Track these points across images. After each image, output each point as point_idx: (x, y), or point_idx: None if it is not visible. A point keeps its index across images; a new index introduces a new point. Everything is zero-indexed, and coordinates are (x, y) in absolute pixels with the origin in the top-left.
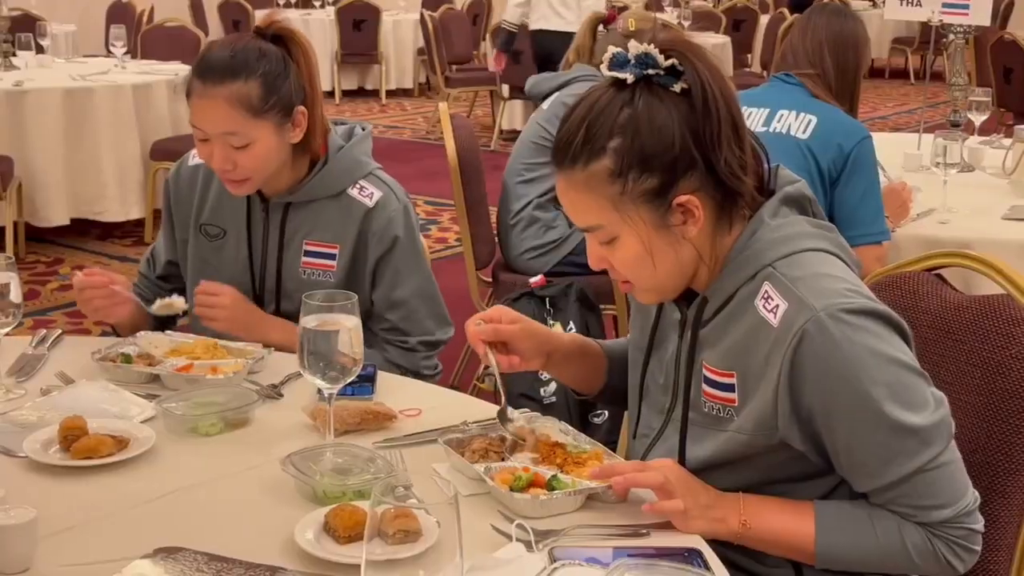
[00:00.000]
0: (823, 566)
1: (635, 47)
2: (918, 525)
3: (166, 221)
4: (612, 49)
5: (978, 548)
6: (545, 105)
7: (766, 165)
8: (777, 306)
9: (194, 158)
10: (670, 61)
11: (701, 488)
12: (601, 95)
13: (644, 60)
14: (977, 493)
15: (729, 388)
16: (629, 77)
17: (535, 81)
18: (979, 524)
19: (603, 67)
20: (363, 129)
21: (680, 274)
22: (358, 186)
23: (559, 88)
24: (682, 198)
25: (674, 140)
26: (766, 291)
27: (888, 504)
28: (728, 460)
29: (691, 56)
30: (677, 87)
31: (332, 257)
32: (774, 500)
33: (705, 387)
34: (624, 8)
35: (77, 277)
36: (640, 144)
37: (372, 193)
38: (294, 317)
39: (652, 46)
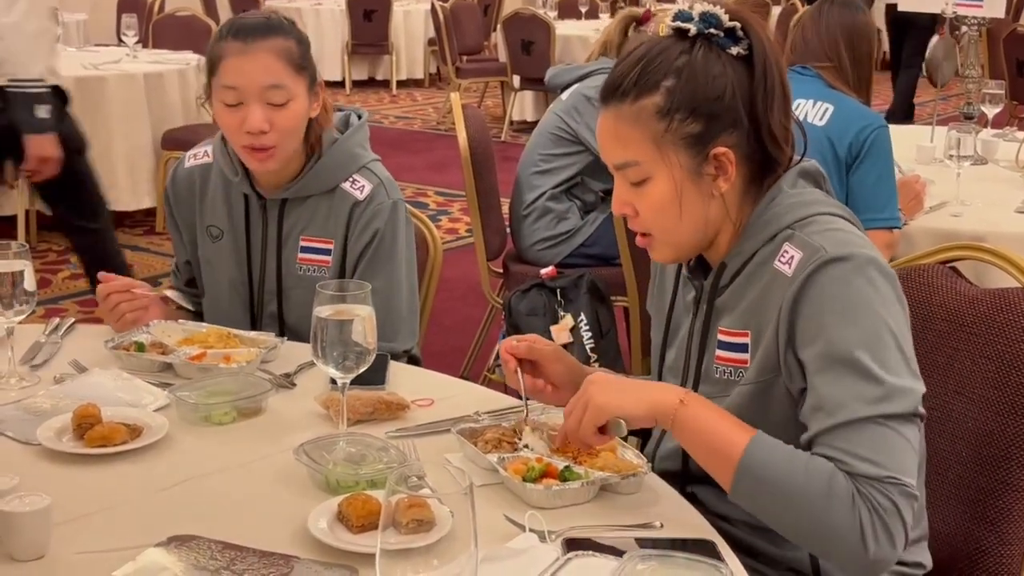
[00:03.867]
0: (740, 480)
1: (700, 6)
2: (848, 476)
3: (172, 227)
4: (680, 3)
5: (897, 540)
6: (564, 96)
7: (802, 142)
8: (792, 257)
9: (190, 159)
10: (732, 23)
11: (636, 391)
12: (661, 40)
13: (708, 18)
14: (919, 496)
15: (742, 348)
16: (692, 29)
17: (555, 72)
18: (909, 514)
19: (667, 20)
20: (359, 117)
21: (702, 232)
22: (351, 179)
23: (579, 80)
24: (719, 150)
25: (724, 93)
26: (784, 249)
27: (827, 447)
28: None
29: (754, 25)
30: (734, 50)
31: (327, 252)
32: (721, 409)
33: (718, 351)
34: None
35: (99, 287)
36: (692, 88)
37: (363, 186)
38: (294, 315)
39: (720, 9)
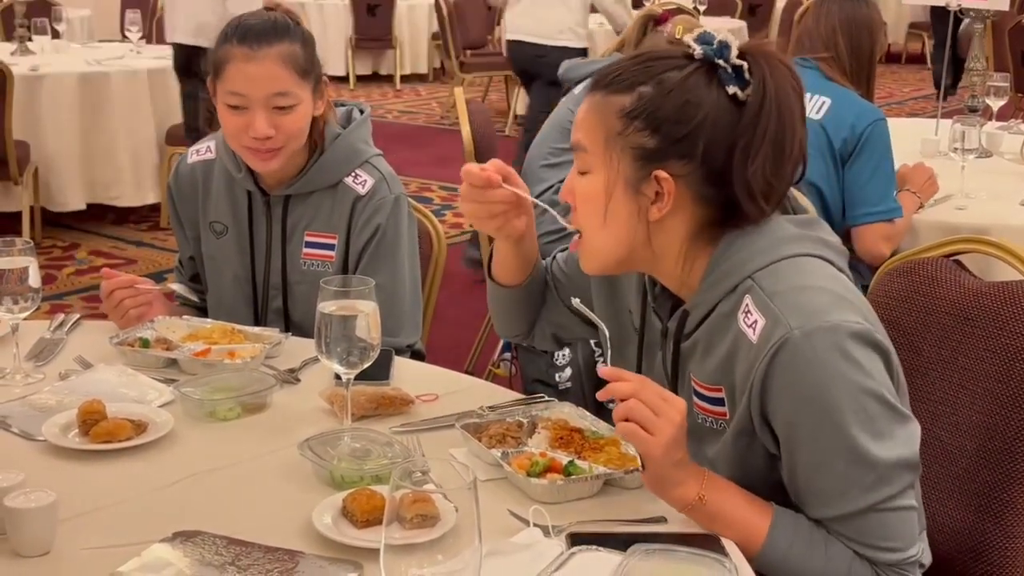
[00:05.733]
0: (761, 565)
1: (723, 34)
2: (866, 562)
3: (175, 223)
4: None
5: None
6: (577, 90)
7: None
8: (756, 322)
9: (192, 155)
10: (739, 62)
11: (682, 449)
12: (669, 50)
13: (719, 48)
14: (925, 547)
15: (719, 402)
16: (697, 51)
17: (569, 66)
18: None
19: (687, 36)
20: (361, 112)
21: (626, 251)
22: (353, 174)
23: (592, 74)
24: (662, 174)
25: (692, 121)
26: (746, 305)
27: (837, 535)
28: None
29: (766, 68)
30: (731, 89)
31: (331, 247)
32: (736, 487)
33: (697, 400)
34: (676, 9)
35: (103, 283)
36: (661, 102)
37: (365, 181)
38: (299, 311)
39: (736, 43)
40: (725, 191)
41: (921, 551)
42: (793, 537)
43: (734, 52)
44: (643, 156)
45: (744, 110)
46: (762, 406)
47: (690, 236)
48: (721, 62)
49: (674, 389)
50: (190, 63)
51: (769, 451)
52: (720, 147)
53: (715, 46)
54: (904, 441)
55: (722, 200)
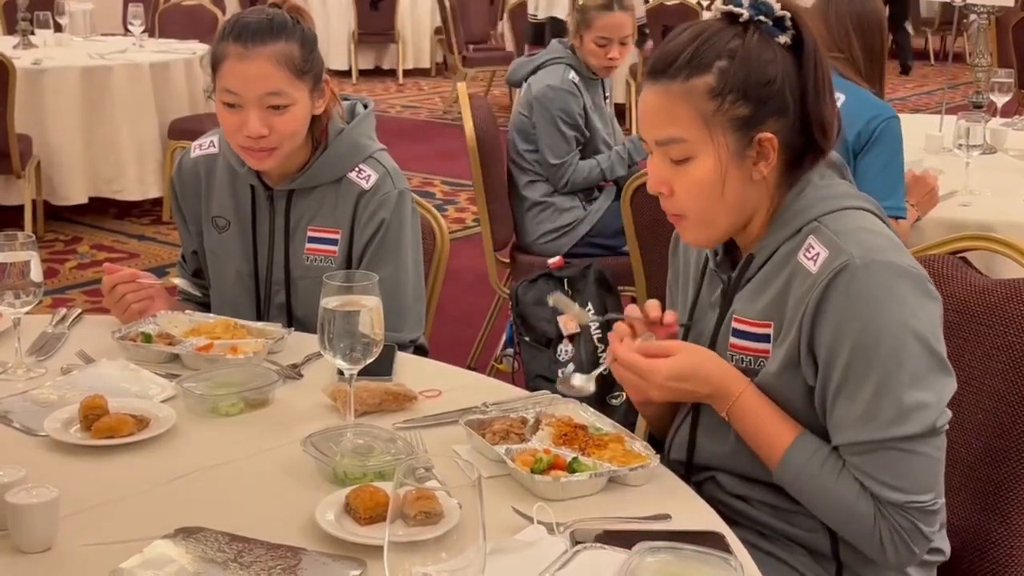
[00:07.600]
0: (777, 477)
1: None
2: (870, 497)
3: (178, 218)
4: None
5: (918, 551)
6: (522, 91)
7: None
8: (818, 254)
9: (196, 149)
10: (783, 13)
11: (697, 388)
12: (713, 23)
13: (759, 5)
14: (943, 503)
15: (763, 339)
16: (744, 13)
17: (513, 68)
18: (931, 529)
19: (717, 3)
20: (365, 107)
21: (738, 215)
22: (357, 169)
23: (533, 72)
24: (764, 135)
25: (775, 79)
26: (809, 243)
27: (850, 465)
28: None
29: (803, 17)
30: (782, 39)
31: (334, 242)
32: (769, 410)
33: (734, 340)
34: None
35: (104, 278)
36: (744, 72)
37: (369, 176)
38: (302, 306)
39: None
40: (805, 134)
41: (938, 506)
42: (808, 459)
43: (776, 7)
44: (743, 125)
45: (801, 55)
46: (812, 331)
47: (776, 183)
48: (764, 18)
49: (724, 340)
50: (535, 34)
51: (808, 386)
52: (795, 93)
53: (752, 4)
54: (934, 389)
55: (801, 144)
